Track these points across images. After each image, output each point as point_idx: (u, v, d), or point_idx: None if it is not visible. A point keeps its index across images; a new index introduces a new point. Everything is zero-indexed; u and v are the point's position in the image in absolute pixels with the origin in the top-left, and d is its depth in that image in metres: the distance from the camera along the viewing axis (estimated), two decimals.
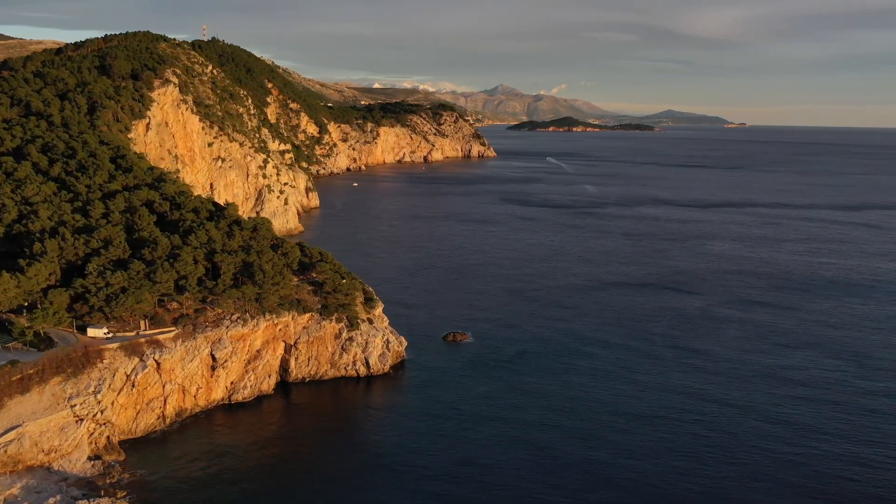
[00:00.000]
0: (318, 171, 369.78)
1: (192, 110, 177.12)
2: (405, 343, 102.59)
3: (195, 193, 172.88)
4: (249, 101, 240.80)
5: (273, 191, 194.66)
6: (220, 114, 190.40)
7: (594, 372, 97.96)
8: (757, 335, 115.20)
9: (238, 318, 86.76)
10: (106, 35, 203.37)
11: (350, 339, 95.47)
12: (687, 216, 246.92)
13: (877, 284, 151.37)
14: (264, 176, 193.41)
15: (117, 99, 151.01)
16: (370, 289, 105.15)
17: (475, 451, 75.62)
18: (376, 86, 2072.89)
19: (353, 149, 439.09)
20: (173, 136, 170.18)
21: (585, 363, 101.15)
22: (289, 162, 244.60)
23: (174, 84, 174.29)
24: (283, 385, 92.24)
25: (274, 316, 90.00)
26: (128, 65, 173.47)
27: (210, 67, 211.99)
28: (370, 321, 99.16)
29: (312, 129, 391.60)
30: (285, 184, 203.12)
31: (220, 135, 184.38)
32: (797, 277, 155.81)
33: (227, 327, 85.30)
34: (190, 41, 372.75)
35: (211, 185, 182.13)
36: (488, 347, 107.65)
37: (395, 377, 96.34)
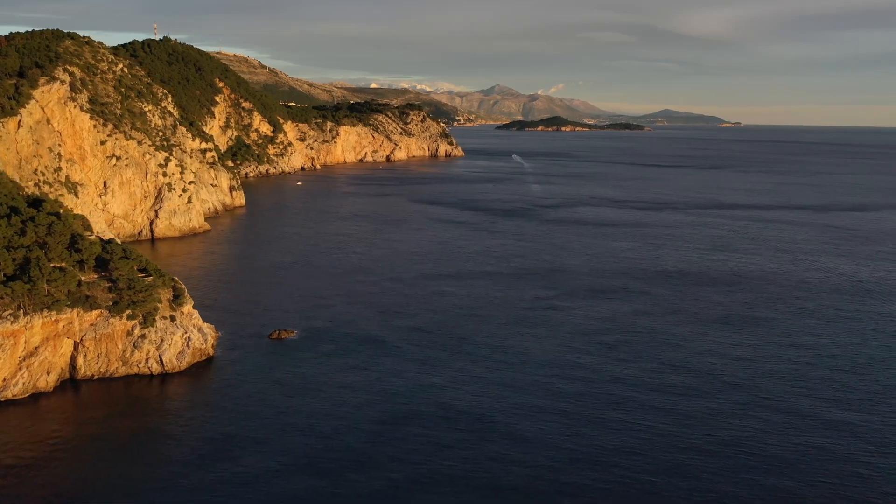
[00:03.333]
0: (267, 170, 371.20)
1: (82, 108, 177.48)
2: (212, 340, 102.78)
3: (87, 191, 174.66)
4: (169, 98, 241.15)
5: (174, 189, 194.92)
6: (118, 112, 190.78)
7: (394, 368, 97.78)
8: (581, 331, 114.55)
9: (10, 314, 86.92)
10: (10, 33, 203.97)
11: (143, 336, 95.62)
12: (617, 216, 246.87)
13: (763, 284, 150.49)
14: (164, 174, 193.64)
15: None
16: (182, 286, 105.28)
17: (255, 444, 75.66)
18: (373, 86, 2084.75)
19: (312, 148, 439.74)
20: (60, 133, 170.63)
21: (389, 361, 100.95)
22: (210, 160, 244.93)
23: (62, 81, 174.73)
24: (74, 382, 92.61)
25: (54, 312, 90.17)
26: (17, 62, 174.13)
27: (120, 66, 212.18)
28: (172, 318, 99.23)
29: (266, 129, 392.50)
30: (190, 182, 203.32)
31: (116, 132, 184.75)
32: (677, 275, 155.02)
33: None
34: (141, 40, 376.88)
35: (105, 182, 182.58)
36: (309, 344, 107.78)
37: (192, 374, 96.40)
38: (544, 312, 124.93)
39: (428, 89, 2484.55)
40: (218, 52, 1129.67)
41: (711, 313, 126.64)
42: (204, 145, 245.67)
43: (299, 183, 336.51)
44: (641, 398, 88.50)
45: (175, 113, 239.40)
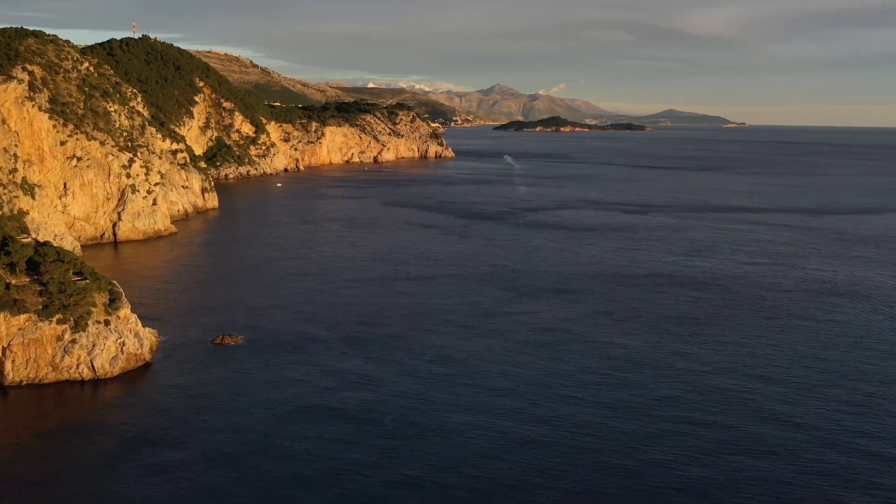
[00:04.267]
0: (248, 171, 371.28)
1: (41, 108, 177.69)
2: (150, 345, 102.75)
3: (46, 192, 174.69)
4: (139, 98, 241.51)
5: (138, 191, 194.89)
6: (80, 112, 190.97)
7: (333, 377, 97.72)
8: (532, 337, 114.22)
9: None
10: None
11: (73, 341, 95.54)
12: (598, 220, 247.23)
13: (734, 287, 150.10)
14: (128, 175, 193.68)
15: None
16: (120, 290, 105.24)
17: (167, 458, 75.53)
18: (371, 85, 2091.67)
19: (296, 149, 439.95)
20: (17, 133, 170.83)
21: (329, 368, 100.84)
22: (182, 162, 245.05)
23: (19, 80, 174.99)
24: (2, 388, 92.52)
25: None
26: None
27: (86, 65, 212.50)
28: (106, 323, 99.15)
29: (248, 129, 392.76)
30: (156, 184, 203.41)
31: (76, 133, 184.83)
32: (645, 278, 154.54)
33: None
34: (119, 38, 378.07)
35: (65, 184, 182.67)
36: (252, 349, 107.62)
37: (125, 380, 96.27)
38: (499, 318, 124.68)
39: (427, 89, 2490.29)
40: (209, 52, 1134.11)
41: (672, 319, 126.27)
42: (175, 146, 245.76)
43: (279, 185, 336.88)
44: (577, 413, 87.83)
45: (145, 113, 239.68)
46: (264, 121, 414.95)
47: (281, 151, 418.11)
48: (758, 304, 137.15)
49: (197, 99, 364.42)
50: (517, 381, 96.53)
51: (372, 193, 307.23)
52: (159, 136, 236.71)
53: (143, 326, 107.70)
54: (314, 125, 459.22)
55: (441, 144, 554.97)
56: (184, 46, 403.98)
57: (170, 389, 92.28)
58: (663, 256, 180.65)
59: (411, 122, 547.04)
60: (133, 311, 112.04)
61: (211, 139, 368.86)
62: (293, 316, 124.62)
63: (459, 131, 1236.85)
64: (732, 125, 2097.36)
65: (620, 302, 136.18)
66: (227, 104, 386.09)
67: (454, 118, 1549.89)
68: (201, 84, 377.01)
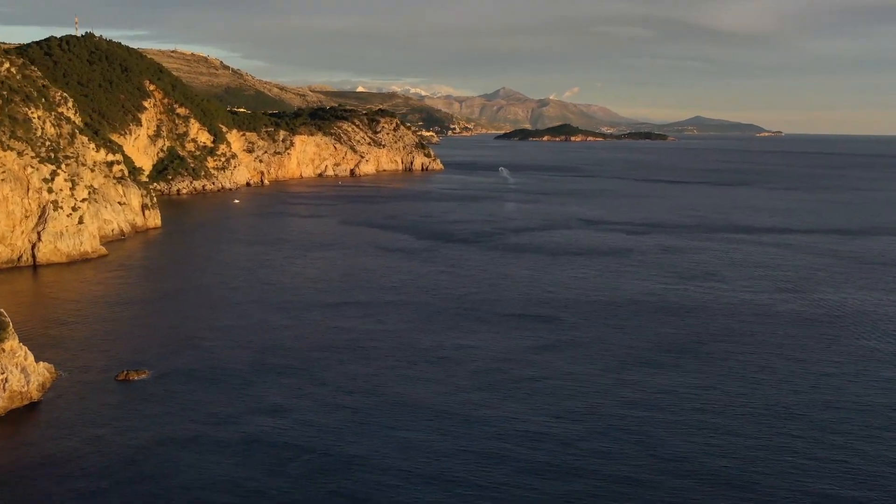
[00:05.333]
0: (204, 185, 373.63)
1: None
2: (39, 382, 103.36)
3: None
4: (70, 103, 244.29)
5: (62, 208, 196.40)
6: None
7: (240, 419, 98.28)
8: (482, 372, 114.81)
9: None
10: None
11: None
12: (589, 241, 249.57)
13: (724, 317, 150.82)
14: (50, 190, 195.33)
15: None
16: (7, 319, 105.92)
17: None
18: (360, 89, 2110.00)
19: (261, 160, 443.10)
20: None
21: (238, 410, 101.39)
22: (118, 175, 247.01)
23: None
24: None
25: None
26: None
27: (6, 65, 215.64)
28: None
29: (204, 138, 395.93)
30: (83, 200, 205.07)
31: None
32: (626, 305, 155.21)
33: None
34: (59, 36, 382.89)
35: None
36: (157, 386, 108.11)
37: (4, 421, 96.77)
38: (448, 351, 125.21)
39: (423, 93, 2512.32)
40: (173, 51, 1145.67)
41: (646, 351, 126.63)
42: (111, 157, 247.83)
43: (236, 201, 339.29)
44: (501, 476, 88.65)
45: (76, 119, 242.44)
46: (224, 129, 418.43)
47: (243, 163, 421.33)
48: (744, 337, 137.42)
49: (146, 104, 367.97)
50: (439, 433, 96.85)
51: (338, 211, 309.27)
52: (92, 145, 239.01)
53: (39, 361, 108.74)
54: (282, 134, 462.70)
55: (428, 156, 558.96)
56: (148, 46, 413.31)
57: (47, 431, 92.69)
58: (652, 284, 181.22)
59: (395, 130, 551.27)
60: (35, 342, 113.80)
61: (162, 149, 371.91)
62: (213, 348, 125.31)
63: (458, 141, 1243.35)
64: (767, 134, 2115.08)
65: (587, 334, 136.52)
66: (181, 110, 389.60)
67: (452, 126, 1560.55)
68: (152, 87, 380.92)
